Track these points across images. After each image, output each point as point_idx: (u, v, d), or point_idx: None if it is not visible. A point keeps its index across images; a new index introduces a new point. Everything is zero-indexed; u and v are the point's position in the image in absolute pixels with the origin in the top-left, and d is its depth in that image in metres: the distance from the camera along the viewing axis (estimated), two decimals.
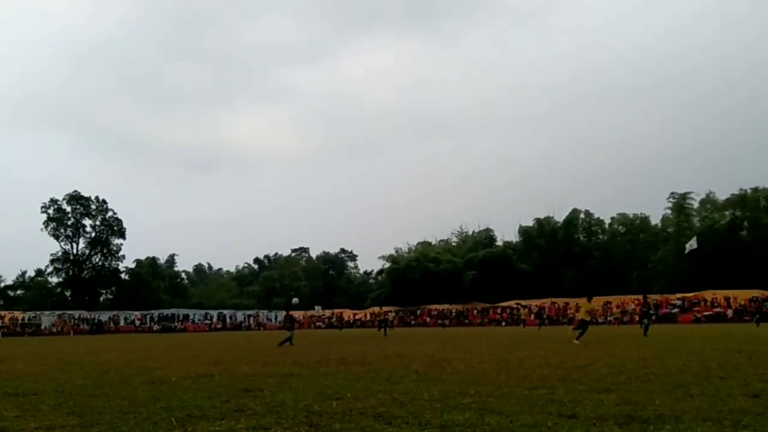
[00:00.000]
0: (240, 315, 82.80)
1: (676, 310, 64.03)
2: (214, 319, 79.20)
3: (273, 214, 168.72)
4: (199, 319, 78.56)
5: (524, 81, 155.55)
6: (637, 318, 61.10)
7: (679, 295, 67.33)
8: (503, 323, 68.98)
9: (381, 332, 38.97)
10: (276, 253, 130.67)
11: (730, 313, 60.70)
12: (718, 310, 62.01)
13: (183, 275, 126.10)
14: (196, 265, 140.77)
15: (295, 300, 30.10)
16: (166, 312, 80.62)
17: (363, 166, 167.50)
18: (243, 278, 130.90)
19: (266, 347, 23.43)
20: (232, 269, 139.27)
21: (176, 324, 75.64)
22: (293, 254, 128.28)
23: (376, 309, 32.36)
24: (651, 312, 30.92)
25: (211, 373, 11.88)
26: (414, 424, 5.84)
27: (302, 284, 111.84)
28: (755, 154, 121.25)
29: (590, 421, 5.77)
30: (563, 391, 7.95)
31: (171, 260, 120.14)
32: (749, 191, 79.26)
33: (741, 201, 79.48)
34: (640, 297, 63.29)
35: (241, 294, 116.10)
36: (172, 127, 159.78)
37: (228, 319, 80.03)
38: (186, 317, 78.77)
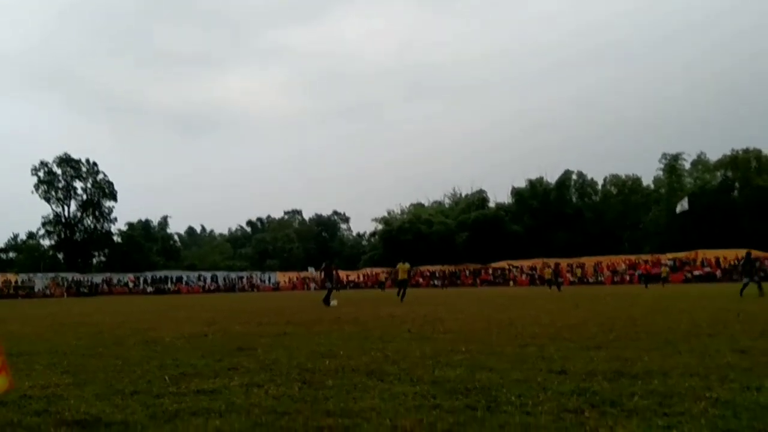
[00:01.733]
0: (233, 276, 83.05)
1: (667, 268, 64.61)
2: (208, 281, 79.46)
3: (266, 177, 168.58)
4: (192, 281, 78.83)
5: (518, 41, 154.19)
6: (637, 276, 61.73)
7: (670, 255, 67.90)
8: (509, 282, 69.50)
9: (397, 294, 28.93)
10: (269, 216, 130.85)
11: (719, 273, 61.32)
12: (708, 269, 62.65)
13: (176, 237, 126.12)
14: (188, 228, 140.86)
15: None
16: (160, 274, 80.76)
17: (356, 127, 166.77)
18: (236, 240, 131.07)
19: (260, 308, 23.57)
20: (225, 232, 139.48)
21: (169, 286, 75.92)
22: (286, 216, 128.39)
23: (402, 265, 28.92)
24: (758, 269, 26.75)
25: (204, 333, 11.96)
26: (406, 380, 5.90)
27: (295, 246, 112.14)
28: (747, 115, 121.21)
29: (580, 377, 5.85)
30: (554, 349, 8.04)
31: (164, 222, 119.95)
32: (740, 152, 79.45)
33: (732, 162, 79.77)
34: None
35: (234, 256, 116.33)
36: (163, 88, 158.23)
37: (221, 281, 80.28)
38: (179, 279, 79.01)
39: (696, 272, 62.36)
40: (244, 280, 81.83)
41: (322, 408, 4.76)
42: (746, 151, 79.33)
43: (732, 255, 64.06)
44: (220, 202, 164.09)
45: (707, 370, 6.11)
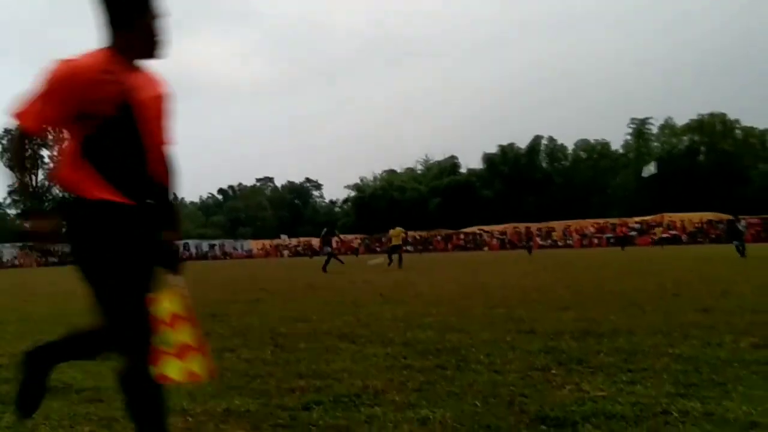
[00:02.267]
0: (205, 245, 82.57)
1: (634, 233, 65.68)
2: (180, 250, 78.83)
3: (236, 143, 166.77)
4: None
5: (489, 8, 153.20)
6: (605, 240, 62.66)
7: (637, 219, 69.02)
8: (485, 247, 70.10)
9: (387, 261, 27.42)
10: (240, 183, 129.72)
11: (684, 236, 62.56)
12: (674, 232, 63.82)
13: None
14: None
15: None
16: None
17: (328, 92, 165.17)
18: (207, 208, 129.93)
19: (233, 276, 23.54)
20: (196, 200, 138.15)
21: None
22: (258, 184, 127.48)
23: (394, 230, 26.60)
24: (741, 231, 25.84)
25: None
26: (377, 342, 5.98)
27: (267, 214, 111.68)
28: (714, 80, 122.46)
29: (548, 336, 5.97)
30: (522, 310, 8.19)
31: None
32: (707, 116, 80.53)
33: (699, 126, 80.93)
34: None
35: (206, 224, 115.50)
36: None
37: (193, 249, 79.78)
38: None
39: (663, 235, 63.53)
40: (217, 248, 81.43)
41: (294, 370, 4.80)
42: (712, 115, 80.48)
43: (697, 218, 65.38)
44: (190, 169, 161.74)
45: (671, 328, 6.28)
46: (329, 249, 24.92)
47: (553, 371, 4.47)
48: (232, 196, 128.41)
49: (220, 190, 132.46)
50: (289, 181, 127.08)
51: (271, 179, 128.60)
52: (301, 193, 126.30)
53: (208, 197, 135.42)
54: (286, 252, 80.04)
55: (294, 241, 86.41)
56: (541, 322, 7.02)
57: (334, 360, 5.17)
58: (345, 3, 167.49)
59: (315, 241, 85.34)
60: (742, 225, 26.17)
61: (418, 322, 7.34)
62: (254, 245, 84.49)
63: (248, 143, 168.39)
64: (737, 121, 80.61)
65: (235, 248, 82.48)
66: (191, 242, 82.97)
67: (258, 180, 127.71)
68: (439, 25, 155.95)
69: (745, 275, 13.70)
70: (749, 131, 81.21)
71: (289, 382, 4.39)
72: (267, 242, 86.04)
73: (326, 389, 4.15)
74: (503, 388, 3.99)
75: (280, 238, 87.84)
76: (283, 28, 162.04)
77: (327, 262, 23.79)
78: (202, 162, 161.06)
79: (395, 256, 26.28)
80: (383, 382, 4.27)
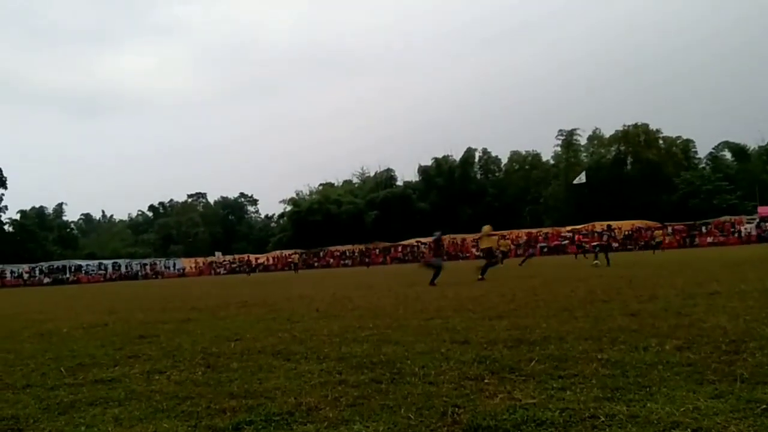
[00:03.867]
0: (136, 264, 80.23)
1: (566, 241, 67.39)
2: (109, 270, 76.38)
3: (167, 159, 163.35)
4: (92, 270, 75.57)
5: (422, 24, 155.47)
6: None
7: (569, 228, 70.89)
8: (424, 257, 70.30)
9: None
10: (171, 200, 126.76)
11: (615, 244, 64.55)
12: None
13: (72, 225, 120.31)
14: (85, 214, 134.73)
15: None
16: (57, 264, 76.95)
17: (262, 107, 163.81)
18: (137, 226, 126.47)
19: (164, 295, 22.92)
20: (126, 218, 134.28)
21: (68, 276, 72.53)
22: (190, 200, 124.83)
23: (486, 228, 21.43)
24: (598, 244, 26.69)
25: (104, 322, 11.51)
26: (312, 358, 5.91)
27: (200, 230, 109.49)
28: (638, 92, 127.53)
29: (482, 345, 6.04)
30: (458, 320, 8.26)
31: (59, 210, 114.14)
32: (631, 127, 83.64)
33: (624, 136, 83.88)
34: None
35: (136, 243, 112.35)
36: (50, 67, 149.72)
37: (123, 269, 77.39)
38: (78, 268, 75.59)
39: (593, 243, 65.34)
40: (147, 267, 79.21)
41: (226, 390, 4.69)
42: (636, 126, 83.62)
43: (627, 225, 67.67)
44: (119, 187, 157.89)
45: (600, 333, 6.44)
46: (439, 260, 19.39)
47: (486, 380, 4.51)
48: (163, 213, 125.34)
49: (151, 207, 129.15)
50: (222, 197, 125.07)
51: (203, 195, 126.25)
52: (235, 209, 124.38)
53: (138, 214, 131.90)
54: (221, 270, 78.57)
55: (229, 257, 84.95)
56: (475, 331, 7.09)
57: (267, 378, 5.07)
58: (279, 18, 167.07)
59: (251, 257, 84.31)
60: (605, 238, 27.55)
61: (354, 336, 7.31)
62: (187, 263, 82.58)
63: (180, 159, 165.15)
64: (659, 131, 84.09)
65: (166, 267, 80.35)
66: (120, 261, 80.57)
67: (190, 196, 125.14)
68: (373, 40, 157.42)
69: (671, 280, 14.21)
70: (671, 141, 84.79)
71: (220, 403, 4.28)
72: (200, 260, 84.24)
73: (258, 408, 4.06)
74: (437, 400, 3.99)
75: (214, 255, 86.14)
76: (214, 42, 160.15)
77: (438, 273, 18.34)
78: (132, 179, 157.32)
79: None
80: (317, 398, 4.22)
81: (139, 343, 7.85)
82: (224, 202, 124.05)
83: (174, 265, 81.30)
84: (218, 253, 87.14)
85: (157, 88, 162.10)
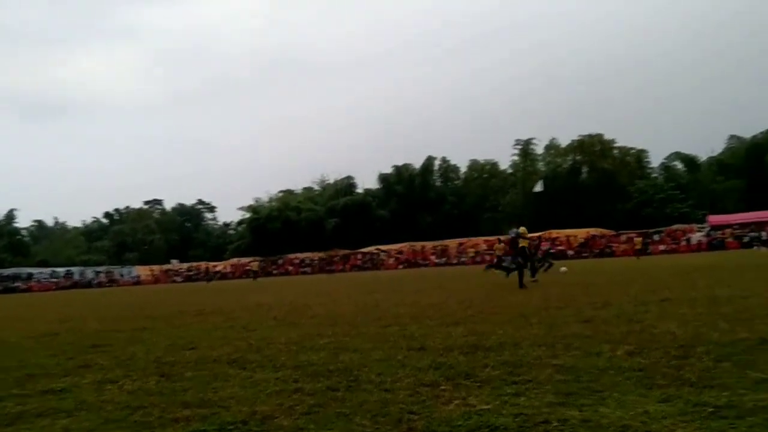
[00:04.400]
0: (90, 272, 78.38)
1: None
2: (62, 277, 74.42)
3: (123, 165, 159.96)
4: (44, 278, 73.45)
5: (383, 32, 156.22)
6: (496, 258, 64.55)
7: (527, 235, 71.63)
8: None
9: None
10: (127, 207, 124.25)
11: (571, 251, 65.65)
12: (561, 248, 66.85)
13: (24, 232, 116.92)
14: (37, 221, 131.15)
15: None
16: (7, 272, 74.65)
17: (222, 113, 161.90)
18: (91, 233, 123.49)
19: (118, 303, 22.45)
20: (79, 224, 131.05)
21: (19, 284, 70.39)
22: (146, 207, 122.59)
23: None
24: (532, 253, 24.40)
25: (56, 331, 11.23)
26: (268, 366, 5.87)
27: (156, 237, 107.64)
28: (594, 102, 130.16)
29: (438, 352, 6.07)
30: (415, 327, 8.28)
31: (9, 216, 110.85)
32: (587, 138, 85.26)
33: (580, 146, 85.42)
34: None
35: (90, 250, 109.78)
36: (2, 69, 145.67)
37: (77, 277, 75.51)
38: (30, 276, 73.41)
39: (550, 251, 66.29)
40: (102, 274, 77.46)
41: (180, 400, 4.63)
42: (591, 136, 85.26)
43: (582, 233, 68.90)
44: (73, 193, 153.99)
45: (554, 339, 6.54)
46: (520, 260, 18.17)
47: (442, 387, 4.53)
48: (119, 220, 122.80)
49: (106, 214, 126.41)
50: (179, 204, 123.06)
51: (160, 202, 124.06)
52: (192, 216, 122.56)
53: (93, 221, 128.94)
54: (177, 277, 77.28)
55: (185, 265, 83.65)
56: (432, 337, 7.13)
57: (222, 387, 5.02)
58: (241, 24, 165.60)
59: (208, 264, 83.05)
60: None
61: (312, 344, 7.27)
62: (142, 271, 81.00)
63: (135, 164, 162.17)
64: (614, 141, 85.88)
65: (121, 275, 78.66)
66: (74, 269, 78.64)
67: (146, 203, 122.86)
68: (335, 48, 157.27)
69: (624, 287, 14.50)
70: (626, 151, 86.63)
71: (173, 412, 4.22)
72: (156, 267, 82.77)
73: (212, 417, 4.01)
74: (393, 406, 4.00)
75: (170, 263, 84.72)
76: (170, 45, 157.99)
77: (521, 274, 17.56)
78: (86, 185, 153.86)
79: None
80: (272, 407, 4.18)
81: (92, 353, 7.69)
82: (181, 209, 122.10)
83: (129, 272, 79.69)
84: (175, 261, 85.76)
85: (114, 91, 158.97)
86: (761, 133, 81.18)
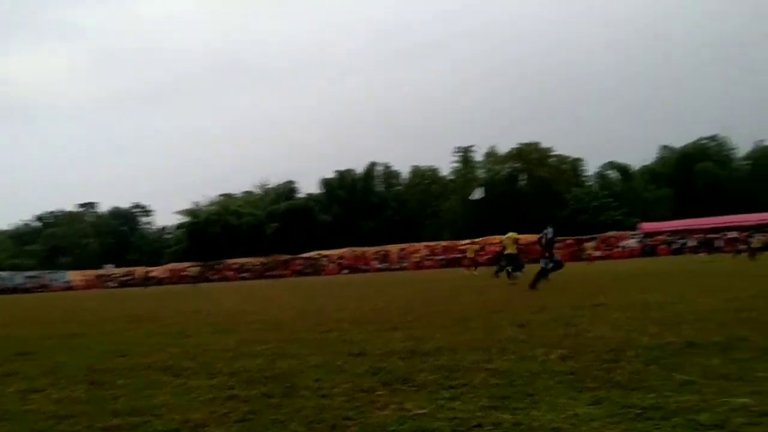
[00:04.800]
0: (20, 276, 75.33)
1: (463, 254, 68.99)
2: None
3: (56, 167, 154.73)
4: None
5: (325, 36, 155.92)
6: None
7: (466, 241, 72.67)
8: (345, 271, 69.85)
9: None
10: (60, 210, 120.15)
11: None
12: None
13: None
14: None
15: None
16: None
17: (160, 114, 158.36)
18: (21, 236, 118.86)
19: (48, 309, 21.67)
20: (8, 227, 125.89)
21: None
22: (80, 210, 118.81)
23: (510, 235, 21.62)
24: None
25: None
26: (203, 373, 5.75)
27: (91, 241, 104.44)
28: (532, 111, 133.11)
29: (377, 357, 6.08)
30: (355, 333, 8.28)
31: None
32: (524, 146, 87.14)
33: (518, 154, 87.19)
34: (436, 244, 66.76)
35: (19, 254, 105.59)
36: None
37: (6, 282, 72.45)
38: None
39: (489, 256, 67.30)
40: (32, 279, 74.57)
41: (110, 408, 4.49)
42: (528, 144, 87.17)
43: (520, 240, 70.05)
44: (3, 196, 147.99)
45: (491, 343, 6.63)
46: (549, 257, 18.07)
47: (379, 392, 4.54)
48: (52, 223, 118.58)
49: (39, 218, 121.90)
50: (115, 207, 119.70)
51: (94, 205, 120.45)
52: (128, 219, 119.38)
53: (23, 224, 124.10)
54: (112, 283, 75.07)
55: (120, 270, 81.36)
56: (371, 343, 7.13)
57: (154, 395, 4.89)
58: (180, 25, 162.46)
59: (143, 270, 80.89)
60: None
61: (249, 350, 7.17)
62: (75, 276, 78.39)
63: (70, 166, 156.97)
64: (551, 149, 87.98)
65: (53, 279, 75.91)
66: (3, 273, 75.47)
67: (80, 205, 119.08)
68: (279, 52, 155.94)
69: (562, 291, 14.85)
70: (562, 159, 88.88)
71: (102, 421, 4.10)
72: (90, 272, 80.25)
73: (143, 426, 3.92)
74: (328, 413, 3.98)
75: (104, 267, 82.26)
76: (111, 44, 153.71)
77: (552, 270, 18.08)
78: (15, 187, 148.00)
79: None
80: (205, 414, 4.10)
81: (17, 360, 7.40)
82: (117, 212, 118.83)
83: (61, 277, 76.99)
84: (109, 266, 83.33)
85: (48, 91, 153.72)
86: (690, 143, 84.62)
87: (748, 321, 7.44)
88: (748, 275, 17.96)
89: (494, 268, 26.19)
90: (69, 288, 72.41)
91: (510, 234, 21.90)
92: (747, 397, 3.86)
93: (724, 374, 4.57)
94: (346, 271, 69.43)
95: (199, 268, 68.75)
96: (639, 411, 3.68)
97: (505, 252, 22.13)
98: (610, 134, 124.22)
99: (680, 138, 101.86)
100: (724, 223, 61.71)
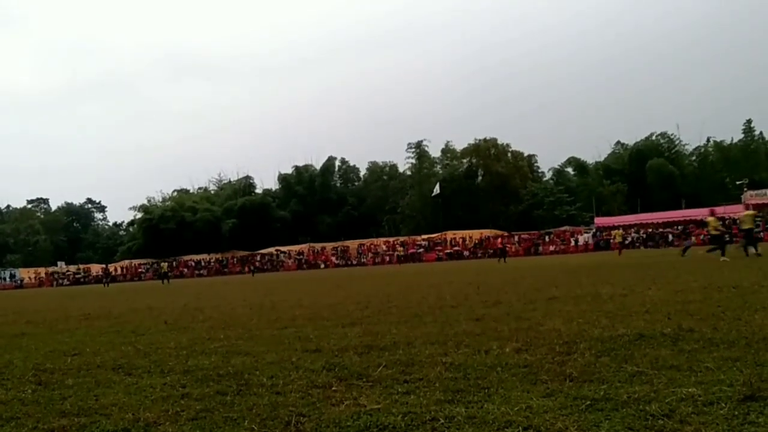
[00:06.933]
0: None
1: (421, 249, 69.50)
2: None
3: (3, 162, 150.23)
4: None
5: (287, 33, 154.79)
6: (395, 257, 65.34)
7: (424, 236, 73.19)
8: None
9: None
10: (9, 206, 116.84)
11: (466, 252, 67.47)
12: (457, 248, 68.59)
13: None
14: None
15: None
16: None
17: (111, 108, 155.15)
18: None
19: None
20: None
21: None
22: (30, 206, 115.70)
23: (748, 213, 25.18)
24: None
25: None
26: (155, 372, 5.66)
27: (41, 239, 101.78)
28: (488, 107, 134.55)
29: (332, 353, 6.06)
30: (311, 329, 8.24)
31: None
32: (482, 141, 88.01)
33: (475, 150, 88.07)
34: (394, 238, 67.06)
35: None
36: None
37: None
38: None
39: (447, 251, 67.95)
40: None
41: (58, 408, 4.38)
42: (486, 140, 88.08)
43: (477, 235, 70.95)
44: None
45: (446, 337, 6.67)
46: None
47: (334, 388, 4.52)
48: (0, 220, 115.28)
49: None
50: (66, 203, 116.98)
51: (45, 201, 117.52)
52: (81, 216, 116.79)
53: None
54: (64, 280, 73.32)
55: (73, 268, 79.53)
56: (327, 339, 7.10)
57: (104, 394, 4.79)
58: (134, 16, 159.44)
59: (96, 267, 79.18)
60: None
61: (203, 348, 7.07)
62: (25, 274, 76.38)
63: (18, 161, 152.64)
64: (508, 145, 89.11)
65: (1, 278, 73.79)
66: None
67: (30, 201, 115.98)
68: (234, 45, 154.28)
69: (515, 286, 15.02)
70: (518, 155, 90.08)
71: (49, 422, 3.99)
72: (41, 270, 78.26)
73: (92, 426, 3.83)
74: (282, 409, 3.95)
75: (56, 265, 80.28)
76: (57, 36, 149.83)
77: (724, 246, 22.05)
78: None
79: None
80: (157, 413, 4.03)
81: None
82: (69, 209, 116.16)
83: (10, 275, 74.87)
84: (61, 263, 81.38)
85: None
86: (642, 139, 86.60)
87: (696, 313, 7.63)
88: (696, 268, 18.45)
89: (734, 246, 26.09)
90: (19, 286, 70.52)
91: (749, 211, 24.09)
92: (694, 387, 3.95)
93: (673, 365, 4.67)
94: (304, 267, 69.15)
95: (168, 263, 67.19)
96: (590, 402, 3.74)
97: (743, 227, 23.98)
98: (571, 131, 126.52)
99: (633, 134, 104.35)
100: (673, 217, 63.44)
